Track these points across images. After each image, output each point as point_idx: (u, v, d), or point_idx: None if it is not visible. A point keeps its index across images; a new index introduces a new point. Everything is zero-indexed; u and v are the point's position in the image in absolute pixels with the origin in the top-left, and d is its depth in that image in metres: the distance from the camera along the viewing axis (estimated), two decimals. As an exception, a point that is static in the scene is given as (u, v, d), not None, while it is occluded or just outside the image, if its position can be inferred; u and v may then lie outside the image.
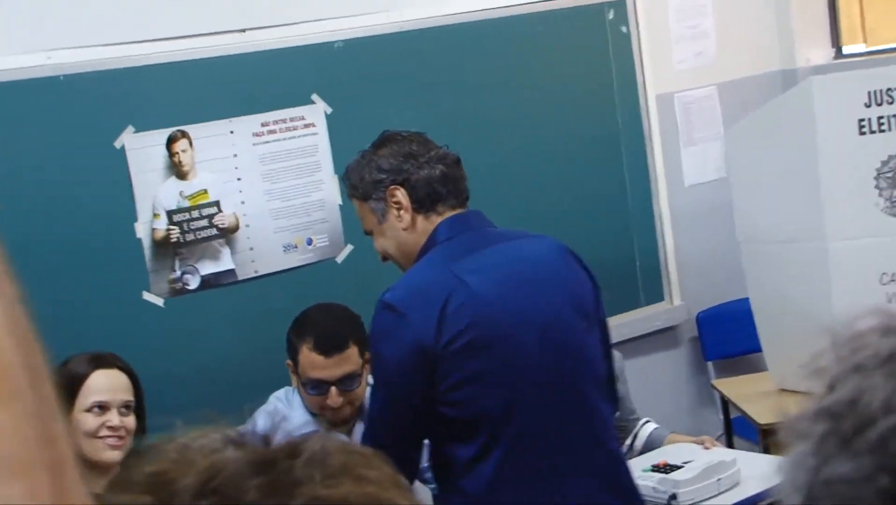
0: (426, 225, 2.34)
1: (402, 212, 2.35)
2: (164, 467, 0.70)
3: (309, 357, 2.85)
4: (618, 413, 3.28)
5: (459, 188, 2.38)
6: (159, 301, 3.28)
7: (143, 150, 3.28)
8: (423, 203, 2.34)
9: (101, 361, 2.69)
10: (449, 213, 2.35)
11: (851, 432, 0.71)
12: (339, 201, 3.60)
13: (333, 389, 2.85)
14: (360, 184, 2.42)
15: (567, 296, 2.31)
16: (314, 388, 2.87)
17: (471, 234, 2.32)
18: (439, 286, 2.21)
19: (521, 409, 2.20)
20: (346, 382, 2.86)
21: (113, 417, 2.61)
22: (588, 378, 2.31)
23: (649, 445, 3.34)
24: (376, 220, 2.41)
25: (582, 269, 2.40)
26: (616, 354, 3.39)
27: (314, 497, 0.66)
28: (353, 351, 2.88)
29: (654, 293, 4.24)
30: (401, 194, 2.35)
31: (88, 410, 2.62)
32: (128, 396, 2.64)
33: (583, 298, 2.35)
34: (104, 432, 2.60)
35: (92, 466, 2.55)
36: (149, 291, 3.27)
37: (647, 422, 3.44)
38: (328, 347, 2.86)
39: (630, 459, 3.23)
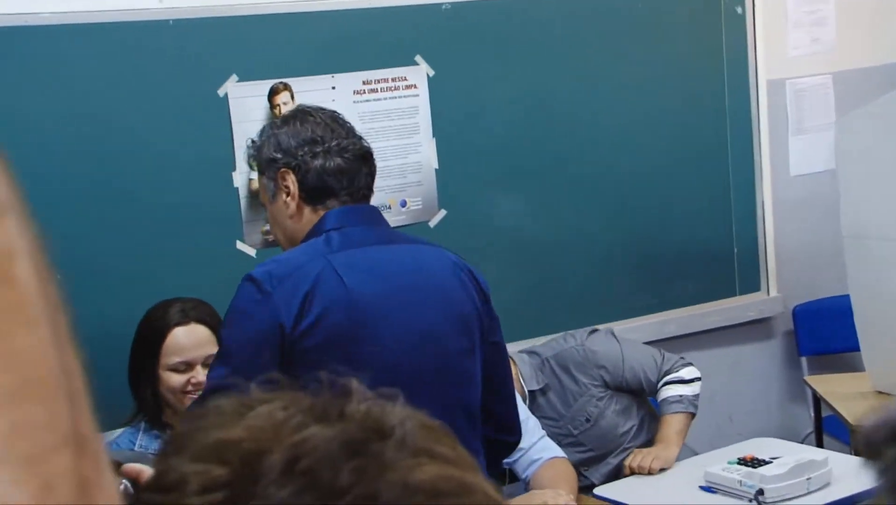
0: (312, 217, 2.20)
1: (289, 199, 2.21)
2: (238, 436, 0.66)
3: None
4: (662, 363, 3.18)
5: (356, 185, 2.21)
6: (251, 251, 3.28)
7: (245, 99, 3.28)
8: (311, 195, 2.19)
9: (183, 315, 2.69)
10: (352, 205, 2.21)
11: None
12: (436, 165, 3.57)
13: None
14: (258, 156, 2.30)
15: (448, 311, 2.16)
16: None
17: (359, 229, 2.17)
18: (310, 272, 2.08)
19: None
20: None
21: (198, 374, 2.62)
22: (455, 400, 2.15)
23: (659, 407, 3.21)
24: (268, 198, 2.28)
25: (476, 289, 2.24)
26: (602, 333, 3.30)
27: (405, 485, 0.63)
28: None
29: (751, 283, 4.12)
30: (290, 180, 2.20)
31: (172, 369, 2.63)
32: (211, 348, 2.62)
33: (467, 317, 2.20)
34: (190, 388, 2.61)
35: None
36: (242, 240, 3.27)
37: (678, 384, 3.20)
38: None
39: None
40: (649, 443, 3.22)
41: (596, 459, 3.24)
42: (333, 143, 2.21)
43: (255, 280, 2.09)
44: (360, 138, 2.29)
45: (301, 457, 0.63)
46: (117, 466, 1.32)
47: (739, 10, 4.02)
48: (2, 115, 2.92)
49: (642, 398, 3.34)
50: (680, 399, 3.14)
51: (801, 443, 3.82)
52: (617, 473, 3.15)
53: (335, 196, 2.19)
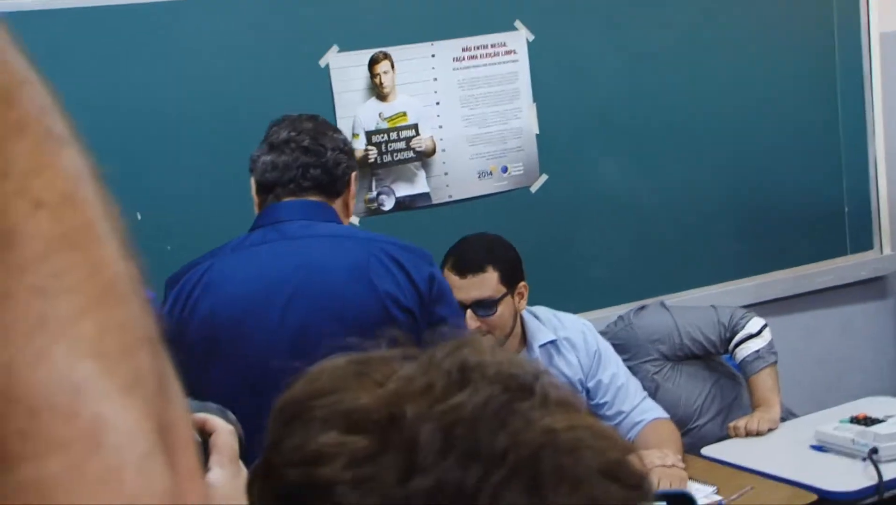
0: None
1: (253, 195, 2.29)
2: (376, 404, 0.66)
3: (448, 277, 2.81)
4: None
5: (290, 178, 2.22)
6: (355, 220, 3.33)
7: (346, 69, 3.32)
8: (258, 191, 2.26)
9: None
10: (285, 200, 2.24)
11: None
12: (536, 130, 3.56)
13: (469, 311, 2.82)
14: None
15: (333, 309, 2.10)
16: None
17: (268, 229, 2.19)
18: (194, 274, 2.14)
19: None
20: (480, 307, 2.84)
21: None
22: None
23: (742, 367, 3.13)
24: None
25: (404, 283, 2.16)
26: (651, 307, 3.23)
27: (554, 447, 0.65)
28: (490, 276, 2.85)
29: (863, 241, 4.02)
30: (252, 183, 2.29)
31: None
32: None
33: (365, 314, 2.12)
34: None
35: None
36: (345, 209, 3.32)
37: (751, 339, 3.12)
38: (463, 268, 2.85)
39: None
40: (726, 409, 3.18)
41: None
42: (276, 138, 2.27)
43: (169, 278, 2.22)
44: (317, 135, 2.28)
45: (456, 423, 0.64)
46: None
47: (848, -40, 3.90)
48: (106, 90, 3.01)
49: (715, 362, 3.28)
50: (758, 354, 3.09)
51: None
52: (701, 443, 3.09)
53: (271, 191, 2.25)
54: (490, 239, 2.97)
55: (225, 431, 1.19)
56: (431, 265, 2.24)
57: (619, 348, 3.15)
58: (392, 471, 0.63)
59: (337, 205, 2.30)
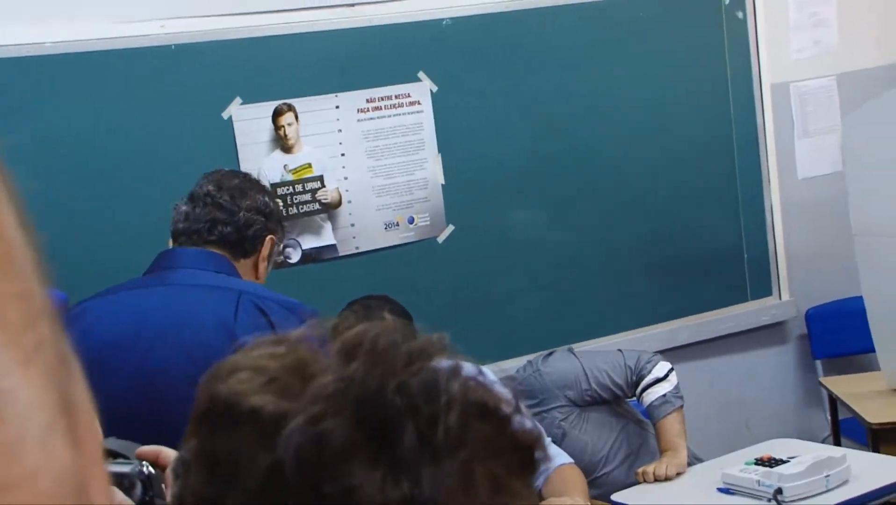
0: None
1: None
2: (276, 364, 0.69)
3: None
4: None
5: (193, 228, 2.27)
6: (260, 272, 3.28)
7: (249, 121, 3.30)
8: (173, 238, 2.32)
9: None
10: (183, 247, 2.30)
11: None
12: (442, 181, 3.57)
13: None
14: None
15: (193, 355, 2.09)
16: None
17: (153, 275, 2.25)
18: (75, 313, 2.19)
19: None
20: None
21: None
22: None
23: (648, 411, 3.15)
24: None
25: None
26: (558, 353, 3.27)
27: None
28: None
29: (762, 287, 4.11)
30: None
31: None
32: None
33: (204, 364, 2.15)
34: None
35: None
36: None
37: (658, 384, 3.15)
38: None
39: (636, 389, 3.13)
40: (633, 454, 3.20)
41: None
42: (197, 190, 2.31)
43: None
44: (236, 193, 2.30)
45: (358, 346, 0.71)
46: (112, 454, 1.31)
47: (741, 14, 4.02)
48: (8, 141, 2.94)
49: (622, 408, 3.30)
50: (664, 399, 3.11)
51: (820, 445, 3.79)
52: (609, 490, 3.10)
53: (177, 240, 2.30)
54: (380, 300, 2.95)
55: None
56: (304, 322, 2.20)
57: (527, 395, 3.14)
58: (296, 383, 0.68)
59: (244, 264, 2.29)
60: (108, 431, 1.42)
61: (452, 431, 0.65)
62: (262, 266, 2.33)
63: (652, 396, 3.12)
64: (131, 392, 2.07)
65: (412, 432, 0.65)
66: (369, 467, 0.64)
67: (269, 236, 2.31)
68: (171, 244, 2.31)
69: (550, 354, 3.30)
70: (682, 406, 3.12)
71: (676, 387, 3.13)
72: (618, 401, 3.26)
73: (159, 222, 3.09)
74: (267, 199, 2.35)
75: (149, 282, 2.22)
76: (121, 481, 1.25)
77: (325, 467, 0.64)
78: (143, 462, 1.30)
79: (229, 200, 2.28)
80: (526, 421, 0.71)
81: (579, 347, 3.55)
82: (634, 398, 3.22)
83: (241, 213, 2.27)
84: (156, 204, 3.12)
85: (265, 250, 2.31)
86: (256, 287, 2.24)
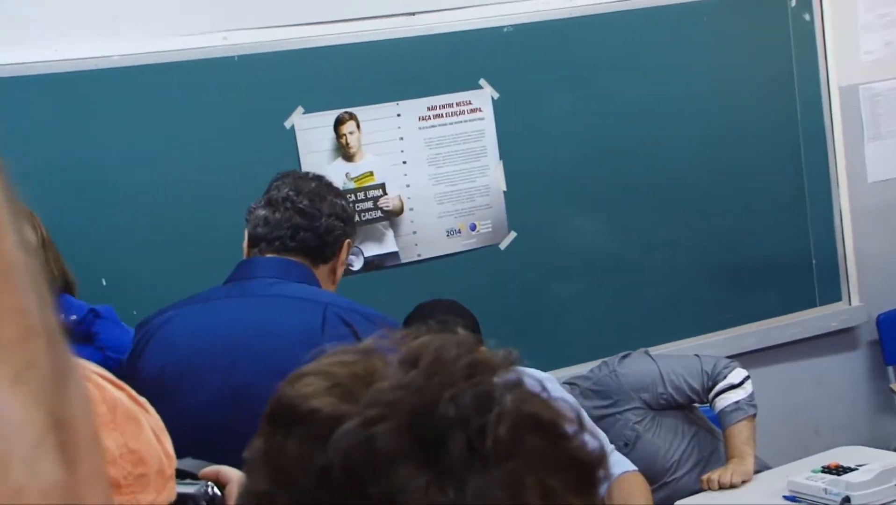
0: None
1: (244, 246, 2.31)
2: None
3: None
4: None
5: (276, 235, 2.22)
6: (323, 280, 3.31)
7: (311, 130, 3.33)
8: (249, 243, 2.28)
9: None
10: (264, 255, 2.25)
11: None
12: (504, 187, 3.57)
13: None
14: None
15: (277, 368, 2.07)
16: None
17: (234, 285, 2.20)
18: (159, 322, 2.17)
19: None
20: None
21: None
22: None
23: (719, 418, 3.09)
24: None
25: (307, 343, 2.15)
26: (635, 355, 3.22)
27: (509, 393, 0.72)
28: None
29: (832, 293, 4.04)
30: (245, 233, 2.30)
31: None
32: None
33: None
34: None
35: None
36: (313, 269, 3.30)
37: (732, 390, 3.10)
38: None
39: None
40: (703, 461, 3.15)
41: (650, 483, 3.15)
42: (275, 194, 2.26)
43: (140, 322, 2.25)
44: (316, 198, 2.27)
45: (420, 355, 0.72)
46: (182, 474, 1.32)
47: (807, 16, 3.96)
48: (72, 156, 3.01)
49: (694, 415, 3.26)
50: (737, 406, 3.06)
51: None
52: (677, 496, 3.06)
53: (256, 245, 2.25)
54: (448, 303, 2.94)
55: (236, 481, 1.21)
56: None
57: (600, 395, 3.12)
58: (359, 389, 0.70)
59: (322, 270, 2.27)
60: (193, 447, 1.41)
61: (502, 442, 0.66)
62: (339, 270, 2.32)
63: (724, 401, 3.08)
64: (216, 408, 2.04)
65: (461, 442, 0.65)
66: (415, 473, 0.65)
67: (347, 240, 2.30)
68: (245, 248, 2.28)
69: (626, 355, 3.27)
70: (754, 415, 3.07)
71: (751, 396, 3.08)
72: (690, 407, 3.23)
73: (227, 232, 3.15)
74: (343, 202, 2.34)
75: (230, 292, 2.19)
76: (185, 502, 1.26)
77: (371, 470, 0.65)
78: (209, 483, 1.31)
79: (309, 205, 2.25)
80: (590, 440, 0.71)
81: (644, 353, 3.52)
82: (707, 404, 3.18)
83: (323, 219, 2.24)
84: (223, 214, 3.17)
85: (343, 255, 2.30)
86: (340, 299, 2.22)
